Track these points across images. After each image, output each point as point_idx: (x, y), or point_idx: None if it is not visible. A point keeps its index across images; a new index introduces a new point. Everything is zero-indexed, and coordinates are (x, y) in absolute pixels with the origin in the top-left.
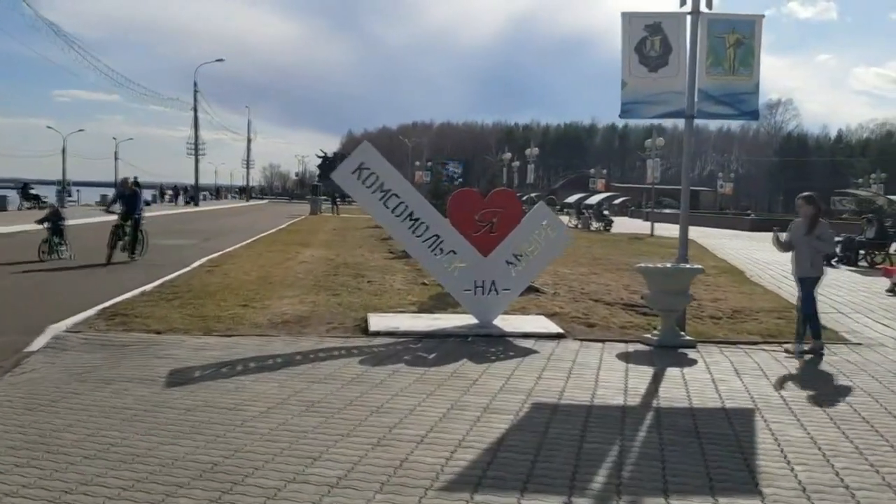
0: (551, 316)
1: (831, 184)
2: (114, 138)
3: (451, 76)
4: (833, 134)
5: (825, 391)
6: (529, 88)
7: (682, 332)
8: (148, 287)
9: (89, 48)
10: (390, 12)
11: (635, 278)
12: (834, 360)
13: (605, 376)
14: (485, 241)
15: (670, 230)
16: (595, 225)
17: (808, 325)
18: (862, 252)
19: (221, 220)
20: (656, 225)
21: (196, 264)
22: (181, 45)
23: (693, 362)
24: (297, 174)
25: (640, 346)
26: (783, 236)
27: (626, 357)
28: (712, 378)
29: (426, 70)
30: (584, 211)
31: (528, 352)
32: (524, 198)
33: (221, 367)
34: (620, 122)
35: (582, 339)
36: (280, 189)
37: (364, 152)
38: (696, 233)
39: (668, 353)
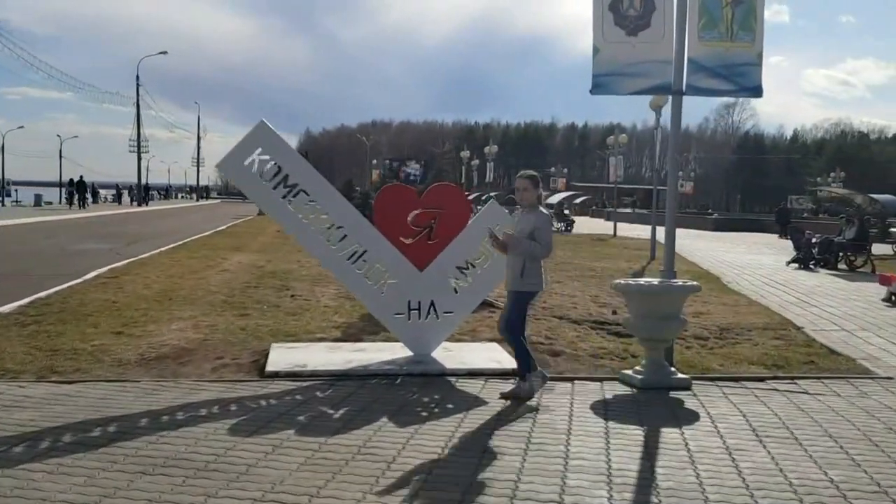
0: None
1: (788, 183)
2: (58, 136)
3: (410, 75)
4: (789, 134)
5: (886, 463)
6: (489, 88)
7: (672, 368)
8: (7, 307)
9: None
10: (347, 11)
11: (603, 286)
12: (870, 406)
13: (578, 448)
14: (421, 250)
15: (633, 230)
16: (556, 225)
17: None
18: (841, 254)
19: (159, 220)
20: (618, 225)
21: (91, 275)
22: (134, 42)
23: (694, 416)
24: None
25: (619, 388)
26: (507, 230)
27: (603, 408)
28: (726, 446)
29: (385, 69)
30: None
31: (473, 402)
32: (483, 197)
33: (16, 443)
34: (580, 121)
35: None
36: (236, 189)
37: (261, 135)
38: (658, 234)
39: (658, 398)
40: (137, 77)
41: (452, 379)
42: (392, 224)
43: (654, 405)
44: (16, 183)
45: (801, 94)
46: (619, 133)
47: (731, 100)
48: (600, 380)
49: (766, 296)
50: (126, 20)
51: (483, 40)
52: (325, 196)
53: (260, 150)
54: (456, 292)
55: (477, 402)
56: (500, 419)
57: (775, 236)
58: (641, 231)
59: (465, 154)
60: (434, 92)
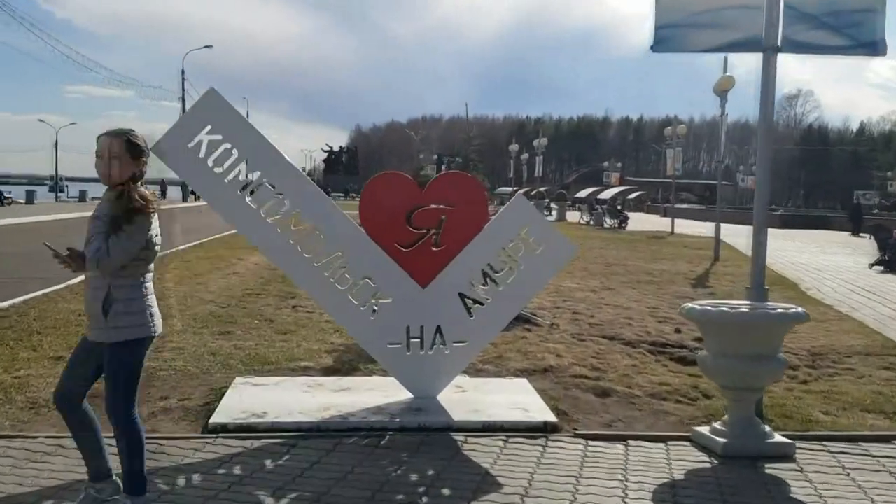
0: (542, 374)
1: (853, 177)
2: None
3: (461, 70)
4: (854, 126)
5: None
6: (541, 82)
7: (765, 426)
8: None
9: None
10: (398, 5)
11: (662, 295)
12: None
13: None
14: (423, 259)
15: (692, 227)
16: (609, 222)
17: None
18: None
19: (198, 216)
20: (676, 221)
21: (80, 279)
22: (188, 41)
23: None
24: (303, 169)
25: (692, 452)
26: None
27: (671, 493)
28: None
29: (436, 63)
30: (596, 206)
31: (481, 483)
32: (532, 192)
33: None
34: (635, 115)
35: (588, 435)
36: None
37: (211, 108)
38: (722, 232)
39: (750, 474)
40: (182, 71)
41: (460, 437)
42: (385, 225)
43: (745, 489)
44: (69, 179)
45: (865, 85)
46: (676, 124)
47: (792, 91)
48: (665, 439)
49: (856, 307)
50: (178, 17)
51: (535, 33)
52: (297, 189)
53: (209, 127)
54: (470, 315)
55: (486, 482)
56: None
57: (846, 234)
58: (701, 228)
59: (514, 148)
60: (485, 87)
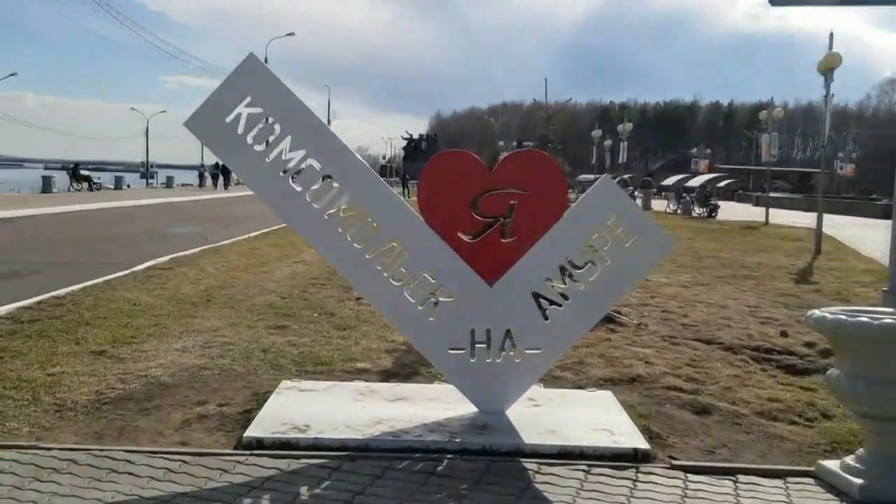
0: (629, 385)
1: None
2: None
3: (543, 56)
4: None
5: None
6: (625, 67)
7: None
8: (1, 310)
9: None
10: None
11: (762, 292)
12: None
13: None
14: (490, 252)
15: (786, 217)
16: (697, 211)
17: None
18: None
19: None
20: (770, 211)
21: (142, 266)
22: (274, 30)
23: None
24: (384, 156)
25: (818, 493)
26: None
27: None
28: None
29: (517, 49)
30: (684, 194)
31: None
32: (616, 180)
33: None
34: (725, 100)
35: (687, 468)
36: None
37: (250, 77)
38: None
39: None
40: (266, 59)
41: (532, 464)
42: (446, 212)
43: None
44: (159, 166)
45: None
46: (772, 108)
47: (894, 75)
48: (783, 475)
49: None
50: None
51: (620, 17)
52: (347, 170)
53: (248, 99)
54: (546, 318)
55: None
56: None
57: None
58: (795, 218)
59: (597, 133)
60: (567, 72)
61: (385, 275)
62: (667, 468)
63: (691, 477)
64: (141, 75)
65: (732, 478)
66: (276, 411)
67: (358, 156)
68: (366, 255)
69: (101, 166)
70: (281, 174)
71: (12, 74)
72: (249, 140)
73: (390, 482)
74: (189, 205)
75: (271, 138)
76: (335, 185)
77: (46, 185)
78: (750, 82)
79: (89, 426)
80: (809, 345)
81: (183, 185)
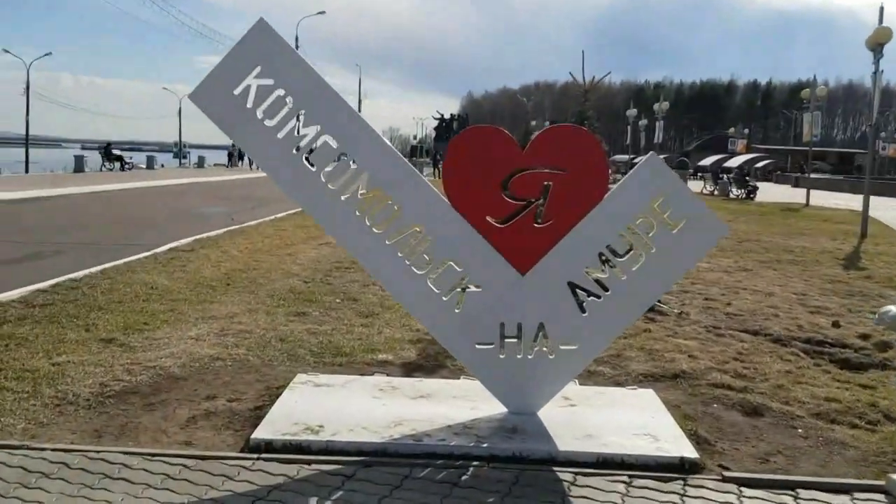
0: (672, 382)
1: None
2: None
3: (576, 35)
4: None
5: None
6: (661, 46)
7: None
8: (14, 293)
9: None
10: None
11: (809, 278)
12: None
13: None
14: (522, 238)
15: (826, 199)
16: (735, 192)
17: None
18: None
19: None
20: (811, 192)
21: (164, 248)
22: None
23: None
24: (414, 137)
25: None
26: None
27: None
28: None
29: (551, 28)
30: (721, 175)
31: None
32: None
33: None
34: (763, 79)
35: (739, 479)
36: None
37: (261, 43)
38: (859, 203)
39: None
40: (297, 38)
41: (567, 474)
42: (475, 194)
43: None
44: (192, 146)
45: None
46: (815, 86)
47: None
48: (849, 489)
49: None
50: None
51: None
52: (366, 147)
53: (259, 69)
54: (583, 311)
55: None
56: None
57: None
58: (836, 199)
59: (632, 113)
60: (602, 51)
61: (407, 262)
62: (718, 480)
63: (746, 491)
64: (175, 56)
65: (792, 492)
66: (289, 409)
67: (377, 131)
68: (385, 240)
69: (136, 146)
70: (294, 152)
71: (47, 54)
72: (259, 115)
73: (409, 493)
74: (218, 185)
75: (283, 113)
76: (352, 163)
77: (79, 164)
78: (788, 61)
79: (89, 423)
80: (864, 336)
81: (216, 164)
